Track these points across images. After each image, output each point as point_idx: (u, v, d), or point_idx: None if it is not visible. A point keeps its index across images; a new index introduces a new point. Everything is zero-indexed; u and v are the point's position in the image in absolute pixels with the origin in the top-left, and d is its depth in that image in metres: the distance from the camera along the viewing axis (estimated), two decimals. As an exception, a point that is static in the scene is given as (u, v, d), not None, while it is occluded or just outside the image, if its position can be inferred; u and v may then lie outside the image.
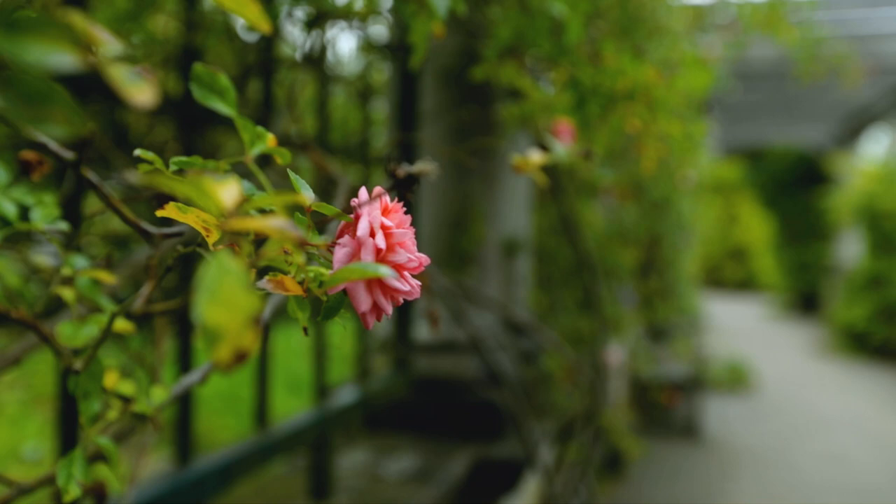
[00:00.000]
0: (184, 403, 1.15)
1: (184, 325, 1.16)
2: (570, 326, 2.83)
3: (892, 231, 9.84)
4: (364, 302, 0.36)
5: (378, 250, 0.36)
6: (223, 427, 3.92)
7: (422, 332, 1.97)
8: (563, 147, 0.71)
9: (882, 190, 9.79)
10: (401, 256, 0.37)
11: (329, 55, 1.41)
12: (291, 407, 3.67)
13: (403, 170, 0.36)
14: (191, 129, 1.15)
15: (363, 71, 1.64)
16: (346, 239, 0.37)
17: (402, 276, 0.37)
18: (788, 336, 12.86)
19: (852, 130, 13.06)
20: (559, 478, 2.15)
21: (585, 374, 2.41)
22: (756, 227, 20.73)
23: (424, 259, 0.39)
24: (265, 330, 1.38)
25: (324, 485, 1.49)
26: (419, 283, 0.39)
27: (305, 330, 0.41)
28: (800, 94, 11.51)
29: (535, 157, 0.67)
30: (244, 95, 1.19)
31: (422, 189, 1.92)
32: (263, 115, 1.14)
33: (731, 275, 21.78)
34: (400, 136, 1.84)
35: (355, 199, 0.37)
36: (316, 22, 1.13)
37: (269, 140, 0.41)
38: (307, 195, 0.37)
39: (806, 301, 15.98)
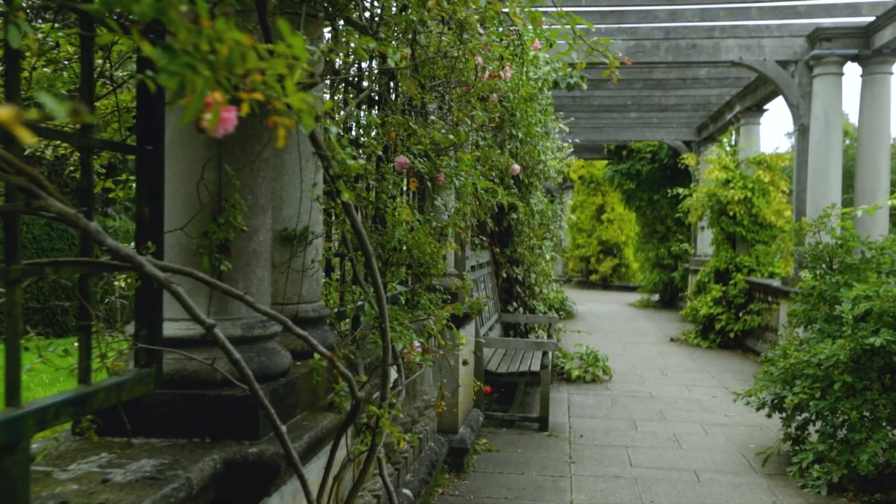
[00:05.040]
0: None
1: None
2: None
3: (733, 226, 10.57)
4: None
5: None
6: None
7: (172, 325, 1.85)
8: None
9: (723, 189, 10.49)
10: None
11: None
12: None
13: None
14: None
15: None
16: None
17: None
18: (647, 327, 13.56)
19: (707, 130, 13.95)
20: (331, 475, 2.10)
21: (361, 369, 2.37)
22: (626, 224, 21.77)
23: None
24: None
25: (13, 496, 1.35)
26: None
27: None
28: (660, 95, 12.15)
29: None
30: None
31: (168, 176, 1.80)
32: None
33: (601, 269, 22.74)
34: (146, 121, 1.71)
35: None
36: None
37: None
38: None
39: (668, 293, 16.95)
